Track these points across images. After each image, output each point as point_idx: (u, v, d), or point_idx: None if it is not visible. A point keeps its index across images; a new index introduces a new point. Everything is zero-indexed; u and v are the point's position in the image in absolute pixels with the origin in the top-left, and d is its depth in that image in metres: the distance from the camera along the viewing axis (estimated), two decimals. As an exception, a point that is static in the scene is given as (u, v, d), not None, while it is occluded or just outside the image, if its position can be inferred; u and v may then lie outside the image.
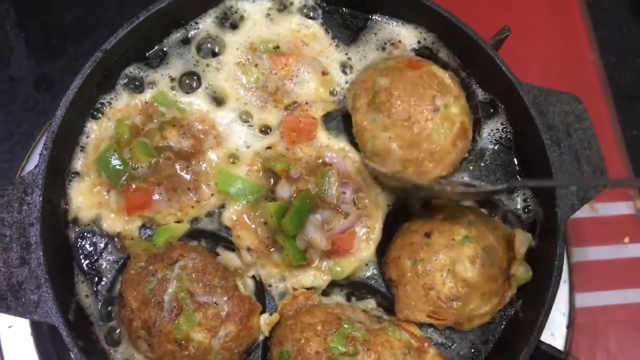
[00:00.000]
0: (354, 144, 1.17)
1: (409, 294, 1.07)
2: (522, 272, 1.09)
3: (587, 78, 1.68)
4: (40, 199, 1.03)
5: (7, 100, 1.50)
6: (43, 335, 1.29)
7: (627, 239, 1.50)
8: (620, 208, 1.52)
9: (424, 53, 1.24)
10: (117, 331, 1.07)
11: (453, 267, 1.06)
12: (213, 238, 1.13)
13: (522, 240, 1.09)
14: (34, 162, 1.40)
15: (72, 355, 0.98)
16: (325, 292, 1.12)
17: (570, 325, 1.39)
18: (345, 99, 1.19)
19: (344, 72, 1.22)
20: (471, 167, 1.19)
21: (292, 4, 1.25)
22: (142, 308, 1.01)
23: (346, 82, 1.21)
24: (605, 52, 1.76)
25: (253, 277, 1.12)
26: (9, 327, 1.29)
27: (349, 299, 1.13)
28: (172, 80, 1.20)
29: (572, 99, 1.17)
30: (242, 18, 1.24)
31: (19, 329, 1.29)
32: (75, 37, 1.58)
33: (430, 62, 1.21)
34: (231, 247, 1.12)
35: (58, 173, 1.10)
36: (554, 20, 1.74)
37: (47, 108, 1.49)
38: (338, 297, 1.12)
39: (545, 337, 1.08)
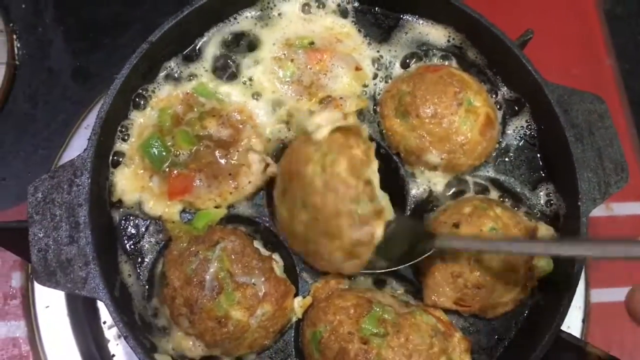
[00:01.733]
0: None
1: (437, 280, 1.12)
2: (543, 264, 1.13)
3: (604, 82, 1.73)
4: (89, 181, 1.08)
5: (46, 91, 1.55)
6: (79, 315, 1.34)
7: (640, 237, 1.55)
8: (635, 208, 1.57)
9: (453, 52, 1.30)
10: (158, 308, 1.12)
11: (479, 257, 1.10)
12: (249, 223, 1.18)
13: (545, 234, 1.14)
14: (71, 150, 1.47)
15: (117, 329, 1.03)
16: (353, 278, 1.17)
17: (585, 320, 1.44)
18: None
19: (377, 69, 1.28)
20: (497, 163, 1.24)
21: (326, 1, 1.30)
22: (185, 287, 1.06)
23: (378, 79, 1.27)
24: (620, 60, 1.81)
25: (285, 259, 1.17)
26: (46, 307, 1.35)
27: (377, 285, 1.17)
28: (212, 72, 1.25)
29: (595, 99, 1.22)
30: (279, 15, 1.29)
31: (56, 309, 1.34)
32: (111, 31, 1.63)
33: (449, 65, 1.27)
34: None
35: (104, 157, 1.15)
36: (573, 26, 1.80)
37: (83, 99, 1.54)
38: (367, 283, 1.17)
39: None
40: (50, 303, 1.34)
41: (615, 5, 2.23)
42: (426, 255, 1.08)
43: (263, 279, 1.07)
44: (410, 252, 1.10)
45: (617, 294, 1.51)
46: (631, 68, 1.92)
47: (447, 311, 1.13)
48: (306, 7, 1.30)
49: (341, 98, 1.22)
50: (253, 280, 1.07)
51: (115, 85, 1.14)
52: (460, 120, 1.17)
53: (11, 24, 1.60)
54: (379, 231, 1.05)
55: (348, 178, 1.01)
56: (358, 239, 1.04)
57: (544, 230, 1.14)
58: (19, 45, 1.59)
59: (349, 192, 1.01)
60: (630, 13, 2.14)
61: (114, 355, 1.31)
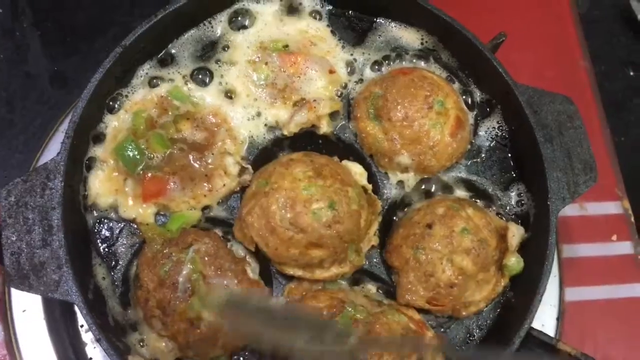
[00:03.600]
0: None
1: (410, 280, 1.13)
2: (513, 262, 1.15)
3: (578, 84, 1.75)
4: (62, 184, 1.08)
5: (23, 95, 1.55)
6: (56, 319, 1.33)
7: (614, 237, 1.57)
8: (609, 207, 1.59)
9: (426, 54, 1.31)
10: (131, 311, 1.13)
11: (451, 257, 1.12)
12: (223, 225, 1.19)
13: (515, 233, 1.15)
14: (48, 153, 1.46)
15: (91, 332, 1.04)
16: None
17: (559, 318, 1.45)
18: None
19: (350, 73, 1.29)
20: (469, 163, 1.26)
21: (300, 4, 1.31)
22: (158, 289, 1.06)
23: (351, 82, 1.28)
24: (595, 62, 1.84)
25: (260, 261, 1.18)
26: (23, 311, 1.34)
27: (350, 284, 1.19)
28: (186, 76, 1.26)
29: (564, 100, 1.24)
30: (253, 18, 1.31)
31: (33, 313, 1.34)
32: (88, 35, 1.63)
33: (420, 68, 1.28)
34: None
35: (78, 161, 1.15)
36: (547, 28, 1.82)
37: (60, 103, 1.54)
38: (341, 282, 1.18)
39: (536, 328, 1.14)
40: (27, 307, 1.34)
41: (591, 9, 2.26)
42: None
43: (236, 281, 1.08)
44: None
45: (592, 293, 1.53)
46: (606, 69, 1.95)
47: (420, 310, 1.14)
48: (281, 11, 1.31)
49: (314, 100, 1.23)
50: (225, 282, 1.08)
51: (89, 90, 1.15)
52: (431, 123, 1.19)
53: (-12, 29, 1.60)
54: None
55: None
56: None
57: (515, 229, 1.16)
58: (-4, 49, 1.59)
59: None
60: (606, 16, 2.17)
61: (91, 359, 1.31)
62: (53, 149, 1.47)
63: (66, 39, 1.63)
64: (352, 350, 0.97)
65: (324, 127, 1.24)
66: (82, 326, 1.33)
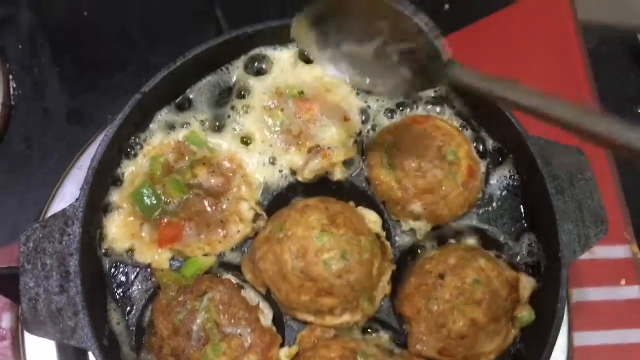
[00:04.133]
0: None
1: (422, 330, 1.14)
2: (525, 315, 1.16)
3: (588, 126, 1.77)
4: (80, 230, 1.10)
5: (41, 131, 1.58)
6: (69, 358, 1.35)
7: (623, 282, 1.58)
8: (617, 252, 1.60)
9: (439, 102, 1.33)
10: (145, 356, 1.14)
11: (463, 308, 1.13)
12: (237, 271, 1.20)
13: (527, 285, 1.17)
14: (65, 189, 1.49)
15: (105, 379, 1.05)
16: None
17: (569, 364, 1.46)
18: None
19: (364, 120, 1.31)
20: (480, 212, 1.27)
21: (316, 53, 1.34)
22: (172, 337, 1.08)
23: (365, 129, 1.30)
24: (604, 99, 1.85)
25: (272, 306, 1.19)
26: (37, 349, 1.36)
27: (363, 332, 1.20)
28: (203, 121, 1.28)
29: (575, 151, 1.26)
30: (270, 64, 1.33)
31: (46, 352, 1.35)
32: (106, 72, 1.66)
33: (433, 116, 1.30)
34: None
35: (96, 206, 1.17)
36: (558, 69, 1.83)
37: (78, 140, 1.56)
38: (353, 331, 1.19)
39: (546, 374, 1.15)
40: (41, 346, 1.35)
41: (600, 45, 2.28)
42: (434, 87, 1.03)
43: (249, 330, 1.10)
44: (418, 74, 1.02)
45: (601, 338, 1.54)
46: (614, 107, 1.96)
47: (431, 360, 1.15)
48: (296, 57, 1.34)
49: (329, 148, 1.25)
50: (239, 331, 1.09)
51: (108, 136, 1.17)
52: (443, 174, 1.21)
53: (7, 65, 1.63)
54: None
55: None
56: None
57: (526, 281, 1.17)
58: (14, 86, 1.62)
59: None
60: (615, 53, 2.19)
61: (102, 399, 1.32)
62: (69, 186, 1.50)
63: (84, 75, 1.66)
64: None
65: (338, 175, 1.25)
66: (94, 365, 1.34)
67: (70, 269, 1.08)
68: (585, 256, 1.57)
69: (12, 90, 1.61)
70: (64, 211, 1.12)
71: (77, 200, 1.12)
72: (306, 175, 1.24)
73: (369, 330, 1.20)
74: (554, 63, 1.84)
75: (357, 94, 1.33)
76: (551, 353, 1.12)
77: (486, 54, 1.78)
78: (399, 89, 1.09)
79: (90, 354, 1.32)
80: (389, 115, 1.32)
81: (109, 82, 1.66)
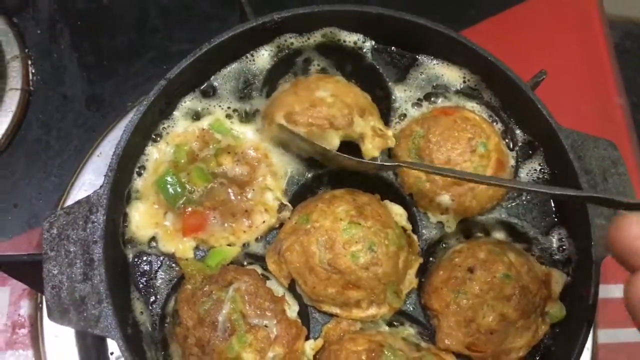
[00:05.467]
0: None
1: (450, 324, 1.12)
2: (556, 310, 1.14)
3: (613, 121, 1.74)
4: (104, 217, 1.08)
5: (60, 117, 1.56)
6: (87, 345, 1.34)
7: (649, 278, 1.55)
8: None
9: (468, 93, 1.31)
10: (168, 347, 1.12)
11: (493, 303, 1.11)
12: (262, 262, 1.18)
13: (558, 280, 1.14)
14: (84, 176, 1.47)
15: (129, 369, 1.03)
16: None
17: None
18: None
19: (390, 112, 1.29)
20: (509, 205, 1.25)
21: (344, 41, 1.31)
22: (197, 327, 1.06)
23: (393, 120, 1.28)
24: (628, 93, 1.82)
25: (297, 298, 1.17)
26: (55, 336, 1.35)
27: (389, 326, 1.17)
28: (228, 109, 1.25)
29: (608, 145, 1.23)
30: (294, 52, 1.30)
31: (65, 339, 1.34)
32: (125, 59, 1.65)
33: (462, 107, 1.28)
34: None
35: (120, 193, 1.15)
36: (583, 63, 1.81)
37: (96, 126, 1.55)
38: (379, 324, 1.16)
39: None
40: (59, 333, 1.34)
41: (623, 39, 2.24)
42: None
43: (275, 321, 1.08)
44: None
45: (625, 335, 1.51)
46: (638, 101, 1.93)
47: (459, 356, 1.13)
48: (321, 47, 1.31)
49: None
50: (265, 322, 1.07)
51: (133, 122, 1.15)
52: (473, 166, 1.18)
53: (27, 50, 1.61)
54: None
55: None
56: None
57: (558, 276, 1.15)
58: (33, 71, 1.60)
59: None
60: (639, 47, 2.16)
61: (121, 387, 1.31)
62: (88, 173, 1.48)
63: (103, 62, 1.64)
64: None
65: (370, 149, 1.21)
66: (112, 353, 1.33)
67: (94, 257, 1.06)
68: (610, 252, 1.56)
69: (30, 75, 1.59)
70: (88, 198, 1.09)
71: (101, 187, 1.10)
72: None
73: (395, 324, 1.17)
74: (578, 56, 1.82)
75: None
76: (582, 350, 1.09)
77: (510, 45, 1.74)
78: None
79: (108, 341, 1.32)
80: (417, 105, 1.30)
81: (128, 69, 1.64)
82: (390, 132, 1.22)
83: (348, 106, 1.18)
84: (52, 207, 1.46)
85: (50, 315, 1.05)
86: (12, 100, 1.53)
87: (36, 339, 1.36)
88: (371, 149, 1.20)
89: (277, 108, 1.19)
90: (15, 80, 1.55)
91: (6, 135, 1.50)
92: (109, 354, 1.33)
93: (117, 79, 1.62)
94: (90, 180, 1.47)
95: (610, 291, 1.53)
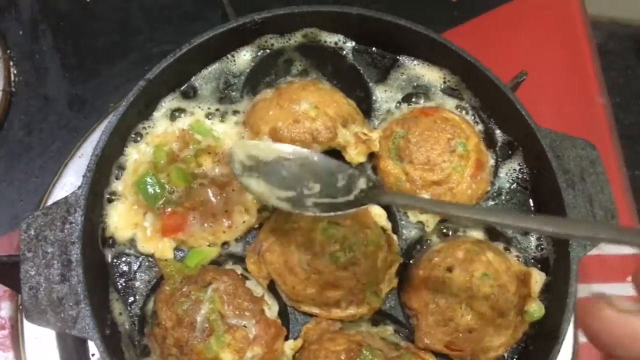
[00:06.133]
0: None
1: (429, 323, 1.12)
2: (535, 309, 1.14)
3: (595, 120, 1.75)
4: (82, 218, 1.08)
5: (42, 118, 1.55)
6: (68, 347, 1.33)
7: (629, 278, 1.56)
8: (625, 247, 1.59)
9: (448, 93, 1.31)
10: (147, 348, 1.12)
11: (471, 302, 1.11)
12: (241, 262, 1.18)
13: (537, 280, 1.15)
14: (65, 178, 1.47)
15: (107, 370, 1.03)
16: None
17: (573, 359, 1.44)
18: None
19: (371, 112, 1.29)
20: (489, 205, 1.25)
21: (325, 42, 1.31)
22: (176, 327, 1.06)
23: (373, 120, 1.29)
24: (611, 94, 1.84)
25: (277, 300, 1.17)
26: (36, 338, 1.34)
27: (368, 325, 1.18)
28: (208, 109, 1.26)
29: (586, 145, 1.24)
30: (275, 53, 1.31)
31: (45, 341, 1.33)
32: (107, 60, 1.64)
33: (442, 107, 1.28)
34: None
35: (98, 194, 1.15)
36: (565, 63, 1.82)
37: (78, 127, 1.54)
38: (360, 324, 1.17)
39: (551, 370, 1.13)
40: (40, 335, 1.33)
41: (607, 41, 2.26)
42: (363, 207, 1.02)
43: (254, 321, 1.08)
44: (345, 204, 1.02)
45: (606, 334, 1.52)
46: (621, 102, 1.94)
47: (437, 355, 1.13)
48: (302, 48, 1.31)
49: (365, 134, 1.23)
50: (244, 323, 1.07)
51: (112, 123, 1.14)
52: (452, 166, 1.19)
53: (8, 51, 1.60)
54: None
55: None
56: None
57: (537, 276, 1.15)
58: (15, 72, 1.59)
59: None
60: (622, 49, 2.17)
61: (102, 389, 1.31)
62: (70, 174, 1.48)
63: (85, 63, 1.63)
64: None
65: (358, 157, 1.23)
66: (93, 355, 1.32)
67: (72, 258, 1.06)
68: (593, 251, 1.56)
69: (12, 76, 1.59)
70: (65, 199, 1.09)
71: (79, 187, 1.10)
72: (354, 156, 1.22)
73: (375, 324, 1.18)
74: (561, 57, 1.83)
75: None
76: (559, 350, 1.10)
77: (493, 46, 1.75)
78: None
79: (89, 343, 1.32)
80: (397, 106, 1.30)
81: (110, 70, 1.63)
82: (375, 135, 1.23)
83: (331, 118, 1.20)
84: (33, 208, 1.45)
85: (27, 317, 1.04)
86: (-7, 101, 1.52)
87: (16, 340, 1.35)
88: (355, 155, 1.22)
89: (261, 121, 1.20)
90: (-4, 81, 1.54)
91: (-13, 136, 1.49)
92: (90, 355, 1.32)
93: (99, 80, 1.61)
94: (72, 182, 1.46)
95: (591, 290, 1.54)
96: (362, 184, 1.02)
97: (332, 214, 1.01)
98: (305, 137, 1.19)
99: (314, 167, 1.03)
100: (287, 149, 1.04)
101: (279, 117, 1.20)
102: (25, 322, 1.34)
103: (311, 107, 1.21)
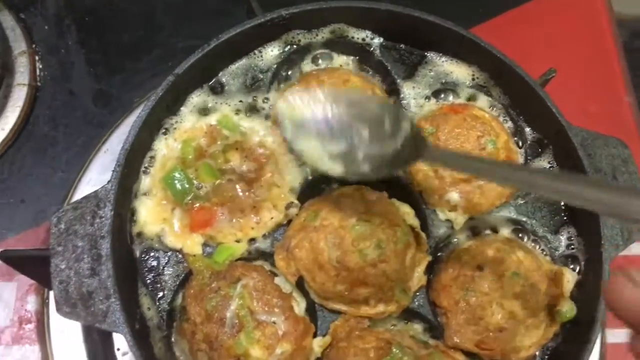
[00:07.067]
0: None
1: (459, 322, 1.11)
2: (567, 309, 1.13)
3: (622, 119, 1.73)
4: (112, 213, 1.08)
5: (67, 113, 1.56)
6: (94, 341, 1.34)
7: (657, 279, 1.54)
8: (652, 248, 1.57)
9: (477, 90, 1.30)
10: (175, 342, 1.12)
11: (501, 301, 1.10)
12: (269, 258, 1.17)
13: (569, 279, 1.13)
14: (91, 172, 1.47)
15: (136, 363, 1.03)
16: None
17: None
18: None
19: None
20: (518, 204, 1.24)
21: (352, 37, 1.31)
22: (205, 323, 1.05)
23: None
24: (637, 92, 1.81)
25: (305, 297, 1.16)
26: (61, 332, 1.35)
27: (397, 323, 1.17)
28: (236, 105, 1.25)
29: (618, 144, 1.22)
30: (302, 49, 1.30)
31: (71, 335, 1.34)
32: (132, 55, 1.64)
33: (472, 105, 1.27)
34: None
35: (127, 189, 1.15)
36: (591, 61, 1.80)
37: (103, 122, 1.55)
38: (388, 321, 1.16)
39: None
40: (66, 328, 1.34)
41: (632, 38, 2.23)
42: (408, 165, 1.03)
43: (283, 318, 1.07)
44: (394, 156, 1.02)
45: (633, 335, 1.50)
46: (646, 100, 1.91)
47: (467, 354, 1.12)
48: (329, 44, 1.31)
49: None
50: (273, 319, 1.07)
51: (141, 117, 1.14)
52: (483, 164, 1.18)
53: (34, 45, 1.61)
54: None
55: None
56: None
57: (569, 275, 1.14)
58: (40, 67, 1.60)
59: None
60: (647, 45, 2.14)
61: (127, 383, 1.31)
62: (95, 169, 1.48)
63: (110, 58, 1.63)
64: None
65: None
66: (118, 349, 1.33)
67: (102, 252, 1.06)
68: (621, 252, 1.55)
69: (38, 70, 1.59)
70: (95, 193, 1.09)
71: (108, 182, 1.10)
72: None
73: (403, 322, 1.17)
74: (587, 55, 1.81)
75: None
76: (591, 350, 1.09)
77: (517, 44, 1.73)
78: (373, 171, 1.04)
79: (114, 337, 1.32)
80: (426, 103, 1.29)
81: (134, 65, 1.64)
82: None
83: None
84: (59, 202, 1.46)
85: (58, 310, 1.04)
86: (20, 95, 1.53)
87: (43, 334, 1.35)
88: None
89: None
90: (22, 75, 1.55)
91: (13, 130, 1.50)
92: (115, 349, 1.33)
93: (124, 75, 1.61)
94: (97, 176, 1.47)
95: (619, 291, 1.52)
96: (406, 126, 1.01)
97: (384, 174, 1.00)
98: None
99: (359, 108, 1.02)
100: (330, 95, 1.03)
101: None
102: (51, 315, 1.36)
103: None
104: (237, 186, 1.17)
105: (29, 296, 1.38)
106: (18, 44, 1.58)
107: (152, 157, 1.20)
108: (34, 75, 1.57)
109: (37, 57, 1.60)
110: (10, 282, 1.39)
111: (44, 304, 1.37)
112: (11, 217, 1.45)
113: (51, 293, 1.35)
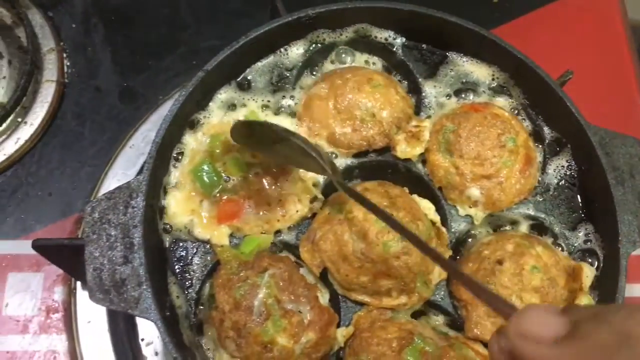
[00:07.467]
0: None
1: (479, 314, 1.14)
2: (586, 304, 1.15)
3: (635, 120, 1.76)
4: (144, 203, 1.11)
5: (93, 109, 1.59)
6: (119, 331, 1.37)
7: (671, 279, 1.56)
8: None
9: (497, 90, 1.33)
10: (204, 330, 1.15)
11: (521, 294, 1.13)
12: (294, 250, 1.20)
13: (588, 274, 1.16)
14: (116, 168, 1.51)
15: (168, 350, 1.06)
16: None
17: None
18: None
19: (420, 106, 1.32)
20: (536, 201, 1.27)
21: (375, 37, 1.34)
22: (233, 311, 1.08)
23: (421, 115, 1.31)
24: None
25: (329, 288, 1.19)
26: (88, 322, 1.38)
27: (418, 315, 1.20)
28: (262, 101, 1.29)
29: (635, 143, 1.25)
30: (327, 48, 1.34)
31: (97, 325, 1.37)
32: (157, 53, 1.68)
33: (492, 104, 1.30)
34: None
35: (158, 181, 1.18)
36: (604, 64, 1.83)
37: (129, 119, 1.58)
38: (409, 313, 1.19)
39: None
40: (92, 318, 1.37)
41: (645, 41, 2.25)
42: None
43: (308, 307, 1.10)
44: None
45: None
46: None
47: (487, 346, 1.15)
48: (353, 43, 1.34)
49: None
50: (299, 308, 1.10)
51: (172, 112, 1.18)
52: (502, 161, 1.21)
53: (62, 43, 1.65)
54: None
55: None
56: None
57: (588, 270, 1.16)
58: (68, 64, 1.64)
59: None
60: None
61: (151, 372, 1.34)
62: (120, 164, 1.52)
63: (135, 56, 1.67)
64: None
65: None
66: (142, 340, 1.36)
67: (134, 240, 1.09)
68: (637, 251, 1.57)
69: (65, 67, 1.63)
70: (128, 184, 1.12)
71: (141, 173, 1.13)
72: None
73: (425, 313, 1.20)
74: (601, 58, 1.84)
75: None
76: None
77: (532, 47, 1.76)
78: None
79: (139, 327, 1.35)
80: (447, 101, 1.32)
81: (159, 64, 1.67)
82: (426, 123, 1.27)
83: (387, 123, 1.26)
84: (85, 196, 1.50)
85: (91, 297, 1.07)
86: (48, 91, 1.57)
87: (69, 323, 1.38)
88: (405, 151, 1.25)
89: (320, 125, 1.26)
90: (51, 72, 1.59)
91: (42, 125, 1.54)
92: (140, 340, 1.36)
93: (148, 73, 1.65)
94: (122, 171, 1.50)
95: (634, 290, 1.54)
96: None
97: None
98: (362, 144, 1.26)
99: None
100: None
101: (337, 123, 1.26)
102: (78, 305, 1.39)
103: (368, 113, 1.25)
104: (264, 180, 1.20)
105: (56, 286, 1.41)
106: (46, 41, 1.62)
107: (182, 151, 1.23)
108: (62, 72, 1.61)
109: (64, 55, 1.64)
110: (38, 273, 1.42)
111: (71, 294, 1.40)
112: (39, 209, 1.48)
113: (78, 283, 1.38)
